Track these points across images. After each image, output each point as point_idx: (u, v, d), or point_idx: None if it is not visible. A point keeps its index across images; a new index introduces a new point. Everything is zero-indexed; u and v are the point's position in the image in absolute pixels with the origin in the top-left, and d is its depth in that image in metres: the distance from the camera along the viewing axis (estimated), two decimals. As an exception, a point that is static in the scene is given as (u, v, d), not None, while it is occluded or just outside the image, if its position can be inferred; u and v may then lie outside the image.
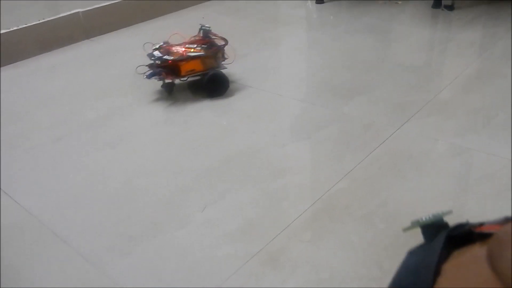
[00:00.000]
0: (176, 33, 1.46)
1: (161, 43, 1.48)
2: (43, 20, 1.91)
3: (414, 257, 0.27)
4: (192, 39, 1.48)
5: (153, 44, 1.48)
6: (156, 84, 1.53)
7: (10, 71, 1.77)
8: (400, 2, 2.23)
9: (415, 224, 0.30)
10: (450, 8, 2.07)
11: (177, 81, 1.49)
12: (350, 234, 0.91)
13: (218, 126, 1.31)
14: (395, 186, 1.03)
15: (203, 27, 1.48)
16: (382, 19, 2.04)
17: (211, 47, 1.45)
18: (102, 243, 0.93)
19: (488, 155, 1.10)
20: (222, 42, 1.48)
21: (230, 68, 1.55)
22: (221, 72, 1.46)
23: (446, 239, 0.25)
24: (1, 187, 1.11)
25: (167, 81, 1.47)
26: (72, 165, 1.18)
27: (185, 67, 1.41)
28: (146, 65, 1.45)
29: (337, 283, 0.80)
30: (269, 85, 1.52)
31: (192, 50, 1.42)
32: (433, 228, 0.27)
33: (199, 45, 1.44)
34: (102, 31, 2.09)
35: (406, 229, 0.31)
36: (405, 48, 1.73)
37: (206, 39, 1.46)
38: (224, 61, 1.50)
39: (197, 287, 0.82)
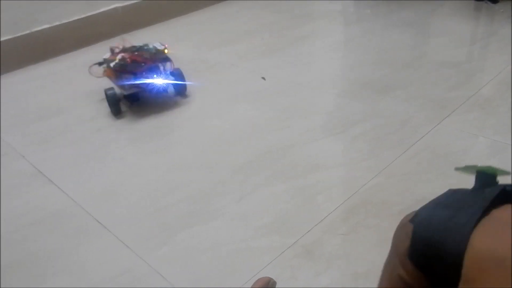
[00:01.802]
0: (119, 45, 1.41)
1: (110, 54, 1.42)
2: (83, 16, 1.97)
3: (458, 195, 0.25)
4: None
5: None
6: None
7: (53, 65, 1.83)
8: (440, -4, 2.18)
9: (470, 168, 0.28)
10: (494, 0, 2.00)
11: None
12: (387, 229, 0.90)
13: (253, 120, 1.32)
14: (434, 182, 1.01)
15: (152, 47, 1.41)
16: (421, 13, 2.00)
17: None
18: (142, 231, 0.96)
19: (532, 152, 1.07)
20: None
21: (266, 62, 1.55)
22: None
23: (502, 190, 0.23)
24: (48, 176, 1.15)
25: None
26: (112, 157, 1.22)
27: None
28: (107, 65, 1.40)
29: (372, 278, 0.80)
30: (304, 80, 1.52)
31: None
32: (490, 179, 0.25)
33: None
34: (140, 26, 2.13)
35: (459, 169, 0.29)
36: (444, 43, 1.69)
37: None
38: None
39: (232, 276, 0.83)
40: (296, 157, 1.14)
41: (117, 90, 1.40)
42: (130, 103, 1.42)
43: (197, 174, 1.11)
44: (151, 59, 1.37)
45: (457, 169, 0.29)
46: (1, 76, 1.76)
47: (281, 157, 1.14)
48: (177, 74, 1.44)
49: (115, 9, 2.05)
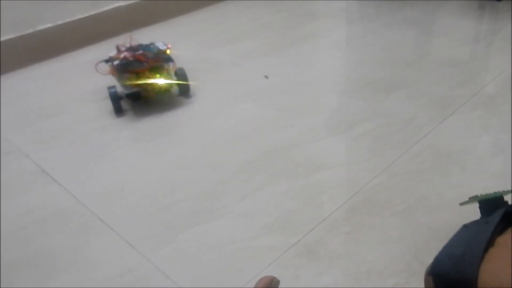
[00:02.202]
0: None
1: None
2: (87, 15, 1.97)
3: (468, 230, 0.25)
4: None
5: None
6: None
7: (56, 64, 1.84)
8: (443, -6, 2.17)
9: (473, 199, 0.29)
10: (497, -1, 2.00)
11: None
12: (390, 228, 0.90)
13: (255, 119, 1.32)
14: (437, 181, 1.01)
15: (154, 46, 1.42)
16: (425, 12, 1.99)
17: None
18: (145, 230, 0.96)
19: (536, 152, 1.07)
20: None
21: (269, 61, 1.55)
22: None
23: (504, 214, 0.24)
24: (52, 175, 1.16)
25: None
26: (115, 156, 1.22)
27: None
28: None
29: (375, 277, 0.80)
30: (307, 79, 1.52)
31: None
32: (492, 204, 0.26)
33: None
34: (143, 25, 2.14)
35: (463, 203, 0.29)
36: (448, 42, 1.69)
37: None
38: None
39: (234, 275, 0.83)
40: (299, 156, 1.14)
41: (119, 89, 1.41)
42: (132, 102, 1.43)
43: (199, 173, 1.11)
44: (154, 59, 1.38)
45: (462, 204, 0.31)
46: (4, 75, 1.77)
47: (283, 156, 1.14)
48: (181, 74, 1.44)
49: (118, 8, 2.05)
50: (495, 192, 0.27)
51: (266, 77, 1.52)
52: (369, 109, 1.31)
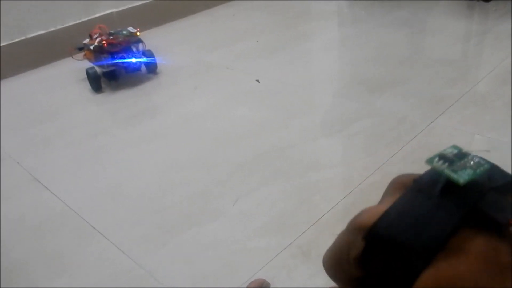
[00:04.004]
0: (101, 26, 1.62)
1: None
2: (79, 21, 1.97)
3: (425, 198, 0.19)
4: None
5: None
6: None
7: (48, 71, 1.83)
8: (434, -6, 2.18)
9: (447, 171, 0.19)
10: (487, -1, 2.01)
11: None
12: (383, 228, 0.90)
13: (249, 121, 1.32)
14: (429, 180, 1.00)
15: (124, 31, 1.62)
16: (416, 13, 2.00)
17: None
18: (138, 235, 0.95)
19: (528, 148, 1.07)
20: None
21: (262, 64, 1.55)
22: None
23: (463, 204, 0.18)
24: (42, 182, 1.15)
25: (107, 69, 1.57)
26: (108, 160, 1.22)
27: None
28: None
29: (369, 277, 0.80)
30: (300, 80, 1.52)
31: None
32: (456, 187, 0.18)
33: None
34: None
35: (430, 161, 0.19)
36: (439, 41, 1.70)
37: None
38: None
39: (228, 277, 0.83)
40: (293, 157, 1.14)
41: (98, 70, 1.58)
42: (109, 80, 1.60)
43: (192, 175, 1.11)
44: (125, 41, 1.58)
45: (428, 161, 0.20)
46: (-3, 82, 1.76)
47: (277, 157, 1.14)
48: (148, 54, 1.64)
49: (110, 14, 2.05)
50: (478, 170, 0.19)
51: (257, 81, 1.52)
52: (362, 109, 1.31)
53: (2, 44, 1.79)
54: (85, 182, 1.14)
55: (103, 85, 1.60)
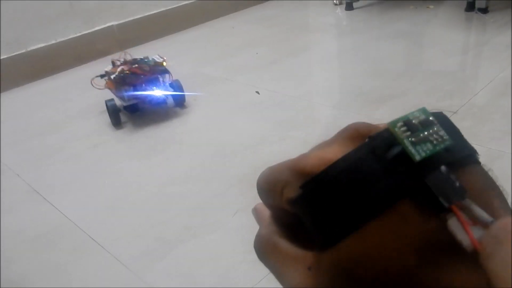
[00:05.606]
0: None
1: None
2: (79, 34, 1.99)
3: (373, 160, 0.18)
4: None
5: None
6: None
7: (49, 84, 1.84)
8: (431, 7, 2.20)
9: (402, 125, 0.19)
10: (484, 10, 2.03)
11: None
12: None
13: (249, 133, 1.32)
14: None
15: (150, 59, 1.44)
16: (414, 25, 2.02)
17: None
18: (137, 247, 0.95)
19: (527, 159, 1.07)
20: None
21: (261, 75, 1.56)
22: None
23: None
24: (42, 194, 1.15)
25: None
26: (108, 173, 1.22)
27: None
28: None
29: None
30: (300, 92, 1.53)
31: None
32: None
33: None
34: (136, 43, 2.15)
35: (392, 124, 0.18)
36: (437, 53, 1.71)
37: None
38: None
39: (229, 291, 0.82)
40: (292, 169, 1.14)
41: (117, 102, 1.42)
42: (130, 114, 1.44)
43: (192, 188, 1.11)
44: (150, 71, 1.40)
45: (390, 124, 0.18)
46: (-3, 95, 1.77)
47: (276, 169, 1.14)
48: (176, 85, 1.45)
49: (111, 27, 2.07)
50: (435, 145, 0.17)
51: (257, 92, 1.53)
52: (362, 121, 1.31)
53: (2, 57, 1.80)
54: (85, 194, 1.14)
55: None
